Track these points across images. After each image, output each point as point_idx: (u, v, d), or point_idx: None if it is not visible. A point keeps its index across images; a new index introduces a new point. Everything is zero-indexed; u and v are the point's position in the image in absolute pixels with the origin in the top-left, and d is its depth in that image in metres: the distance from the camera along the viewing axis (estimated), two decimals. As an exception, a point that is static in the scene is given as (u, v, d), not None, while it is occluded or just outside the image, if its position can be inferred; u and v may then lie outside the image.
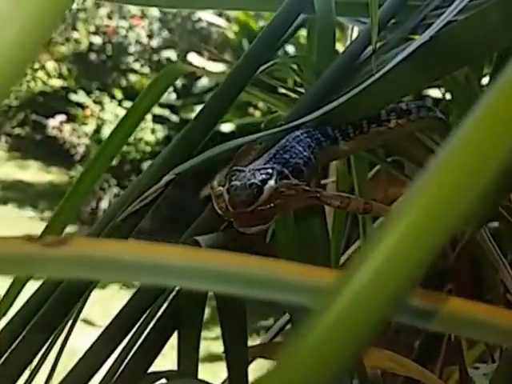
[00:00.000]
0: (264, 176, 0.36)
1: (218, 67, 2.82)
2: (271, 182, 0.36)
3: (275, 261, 0.17)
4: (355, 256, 0.14)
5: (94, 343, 0.43)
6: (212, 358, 1.47)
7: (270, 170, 0.37)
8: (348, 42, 0.63)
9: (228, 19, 3.91)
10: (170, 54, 4.44)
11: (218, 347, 0.39)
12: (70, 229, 0.55)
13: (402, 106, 0.45)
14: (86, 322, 2.32)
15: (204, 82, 3.94)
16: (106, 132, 4.02)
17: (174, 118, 4.20)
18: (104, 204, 3.96)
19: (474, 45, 0.39)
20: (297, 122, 0.41)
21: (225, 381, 0.57)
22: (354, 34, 0.63)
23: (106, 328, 0.43)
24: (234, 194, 0.35)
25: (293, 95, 0.51)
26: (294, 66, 0.56)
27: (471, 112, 0.14)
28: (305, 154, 0.40)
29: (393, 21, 0.48)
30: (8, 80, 0.13)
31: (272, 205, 0.36)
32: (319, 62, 0.47)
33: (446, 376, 0.75)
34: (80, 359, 0.43)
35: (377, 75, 0.39)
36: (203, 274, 0.16)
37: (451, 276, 0.67)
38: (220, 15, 3.93)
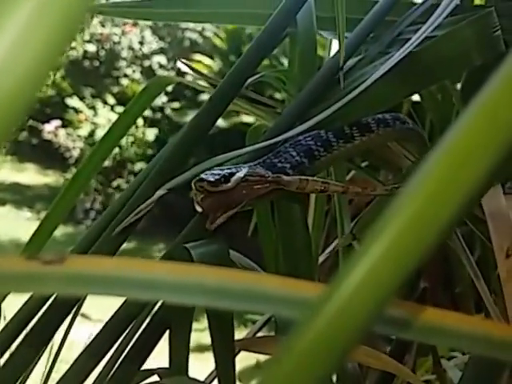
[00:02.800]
0: (235, 170, 0.38)
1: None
2: (239, 174, 0.38)
3: (261, 275, 0.17)
4: (340, 265, 0.14)
5: (91, 342, 0.43)
6: (202, 348, 1.48)
7: (243, 167, 0.39)
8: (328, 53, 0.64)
9: (216, 26, 3.90)
10: (161, 59, 4.44)
11: (207, 338, 0.40)
12: (66, 229, 0.55)
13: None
14: (83, 316, 2.31)
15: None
16: (100, 136, 3.97)
17: (165, 121, 4.18)
18: (98, 205, 3.94)
19: (450, 61, 0.40)
20: (281, 137, 0.41)
21: (213, 371, 0.57)
22: (334, 46, 0.63)
23: (104, 327, 0.43)
24: (202, 184, 0.38)
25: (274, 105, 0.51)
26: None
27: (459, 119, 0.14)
28: (296, 158, 0.41)
29: (371, 35, 0.48)
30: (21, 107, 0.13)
31: (238, 192, 0.38)
32: (301, 75, 0.47)
33: (419, 366, 0.75)
34: (78, 357, 0.43)
35: (360, 87, 0.39)
36: (191, 289, 0.17)
37: (425, 275, 0.68)
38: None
